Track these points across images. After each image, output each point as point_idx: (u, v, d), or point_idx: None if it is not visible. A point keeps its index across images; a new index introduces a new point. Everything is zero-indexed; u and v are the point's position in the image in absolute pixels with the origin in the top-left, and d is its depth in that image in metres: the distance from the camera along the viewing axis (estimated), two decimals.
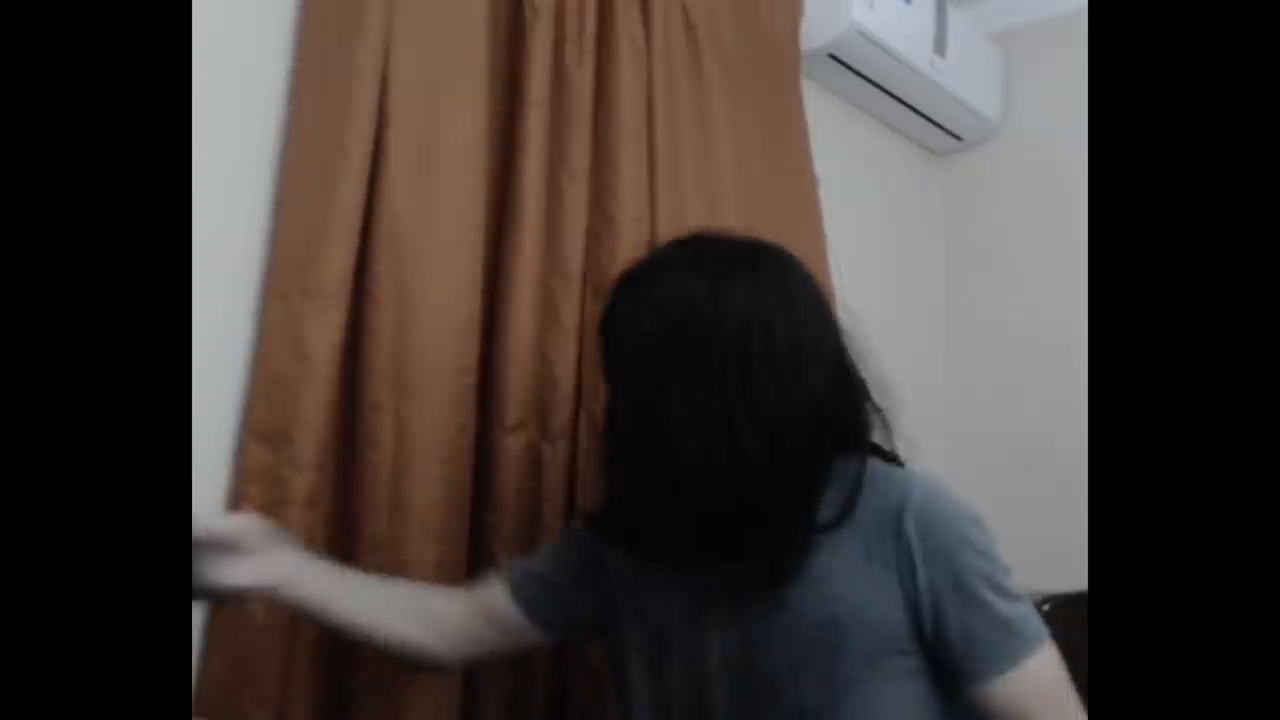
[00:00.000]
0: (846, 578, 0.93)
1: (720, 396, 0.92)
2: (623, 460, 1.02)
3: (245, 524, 1.03)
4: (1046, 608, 1.79)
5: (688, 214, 1.58)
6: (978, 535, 0.94)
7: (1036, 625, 0.95)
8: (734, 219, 1.65)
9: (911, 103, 2.17)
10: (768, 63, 1.82)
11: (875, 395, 1.02)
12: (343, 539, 1.21)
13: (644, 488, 0.98)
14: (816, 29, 1.93)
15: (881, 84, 2.08)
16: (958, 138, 2.34)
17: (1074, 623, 1.76)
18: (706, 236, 1.05)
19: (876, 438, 1.01)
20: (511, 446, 1.33)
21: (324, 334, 1.18)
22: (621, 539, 1.04)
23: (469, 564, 1.32)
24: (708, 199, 1.63)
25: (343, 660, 1.20)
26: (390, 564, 1.19)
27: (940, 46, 2.10)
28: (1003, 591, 0.93)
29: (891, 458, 1.01)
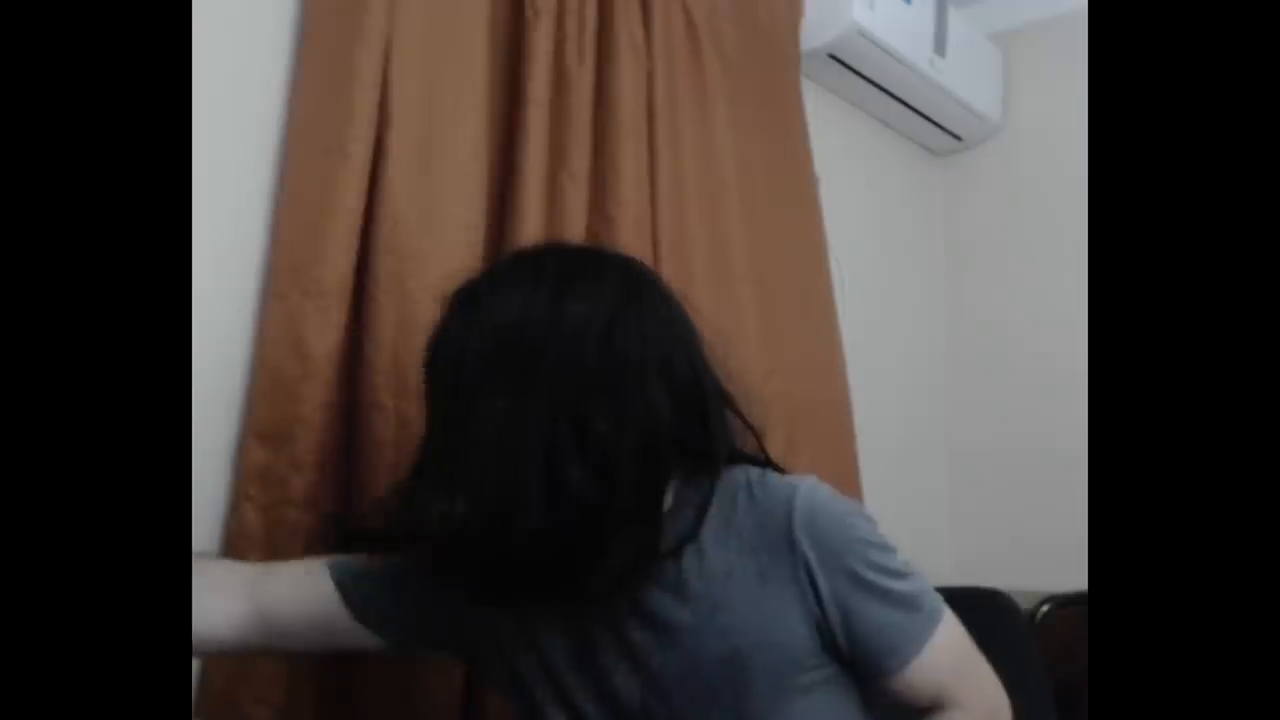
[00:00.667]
0: (743, 604, 0.87)
1: (548, 420, 0.83)
2: (434, 494, 0.86)
3: None
4: (1046, 608, 1.79)
5: (688, 214, 1.58)
6: (866, 528, 0.91)
7: (934, 598, 0.92)
8: (734, 219, 1.65)
9: (911, 103, 2.17)
10: (768, 62, 1.82)
11: (742, 408, 0.95)
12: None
13: (460, 523, 0.84)
14: (816, 29, 1.93)
15: (881, 84, 2.08)
16: (958, 138, 2.34)
17: (1074, 623, 1.77)
18: (552, 246, 1.00)
19: (749, 448, 0.96)
20: None
21: (324, 334, 1.18)
22: (449, 578, 0.91)
23: None
24: (707, 199, 1.63)
25: (343, 661, 1.20)
26: None
27: (940, 46, 2.10)
28: (898, 574, 0.90)
29: (768, 464, 0.96)
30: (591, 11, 1.50)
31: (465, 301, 0.91)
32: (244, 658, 1.11)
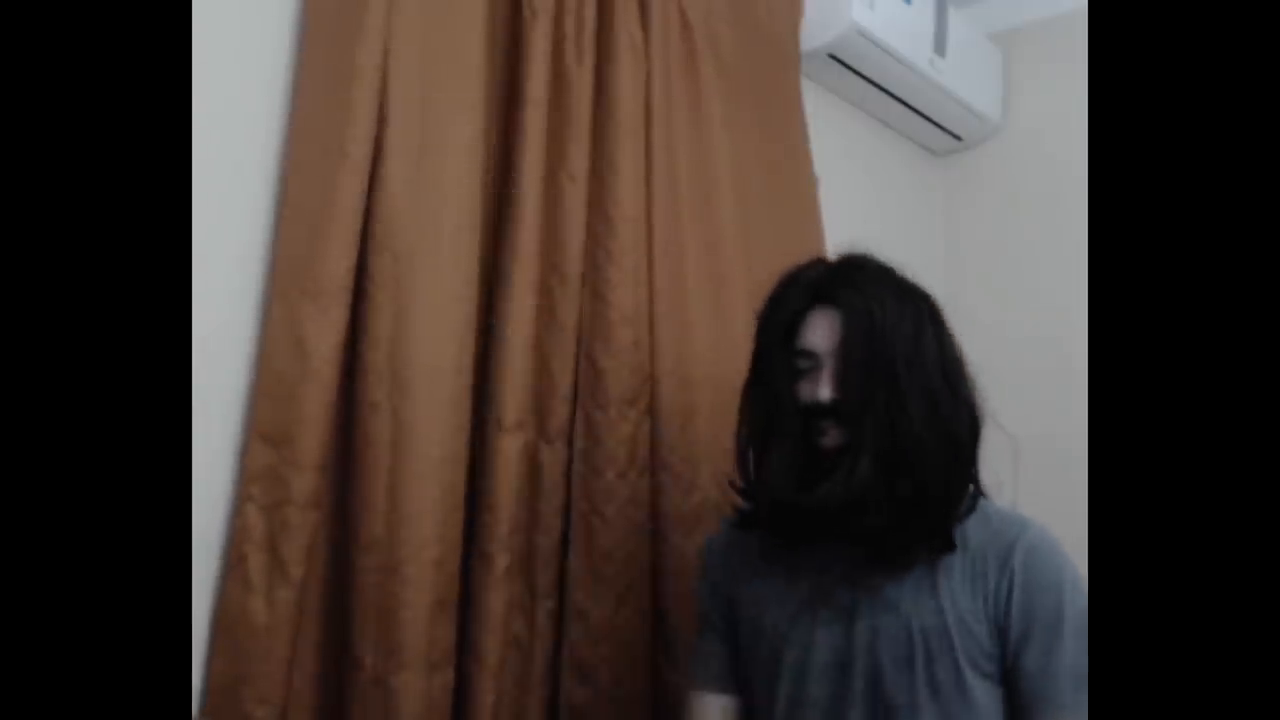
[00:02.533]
0: (954, 594, 1.05)
1: (932, 399, 1.06)
2: (856, 446, 1.06)
3: None
4: None
5: (682, 214, 1.58)
6: (1075, 580, 1.05)
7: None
8: (728, 219, 1.65)
9: (911, 103, 2.17)
10: (767, 63, 1.82)
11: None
12: (341, 539, 1.21)
13: (871, 468, 1.04)
14: (816, 29, 1.93)
15: (881, 84, 2.08)
16: (958, 138, 2.34)
17: None
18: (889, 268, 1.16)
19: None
20: (510, 447, 1.33)
21: (325, 334, 1.18)
22: (781, 523, 1.13)
23: (465, 564, 1.32)
24: (701, 199, 1.63)
25: (343, 660, 1.20)
26: (386, 565, 1.20)
27: (940, 46, 2.10)
28: (1079, 631, 1.02)
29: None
30: (590, 11, 1.50)
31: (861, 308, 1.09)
32: (245, 657, 1.11)
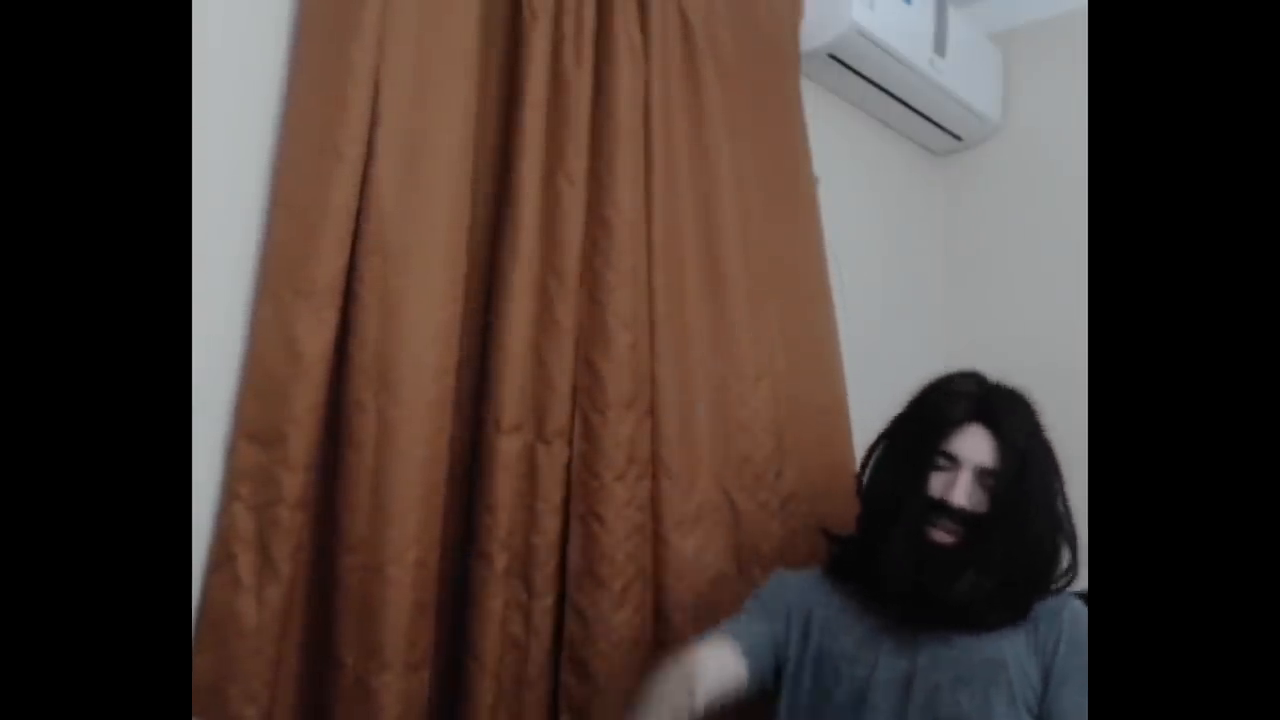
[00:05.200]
0: (1009, 640, 1.22)
1: (1047, 533, 1.26)
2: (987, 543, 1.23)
3: None
4: None
5: (681, 216, 1.58)
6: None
7: None
8: (727, 221, 1.65)
9: (911, 103, 2.17)
10: (766, 64, 1.82)
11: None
12: (326, 539, 1.21)
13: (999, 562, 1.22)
14: (816, 29, 1.93)
15: (881, 84, 2.08)
16: (958, 138, 2.34)
17: None
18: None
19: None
20: (509, 448, 1.33)
21: (317, 334, 1.18)
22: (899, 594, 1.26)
23: (464, 564, 1.32)
24: (700, 201, 1.62)
25: (326, 661, 1.20)
26: (371, 565, 1.19)
27: (940, 46, 2.10)
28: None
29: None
30: (589, 13, 1.49)
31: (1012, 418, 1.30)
32: (231, 656, 1.11)
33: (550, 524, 1.36)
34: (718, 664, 1.24)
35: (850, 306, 1.91)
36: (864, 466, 1.37)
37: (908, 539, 1.23)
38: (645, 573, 1.43)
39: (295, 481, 1.15)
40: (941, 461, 1.26)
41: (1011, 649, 1.21)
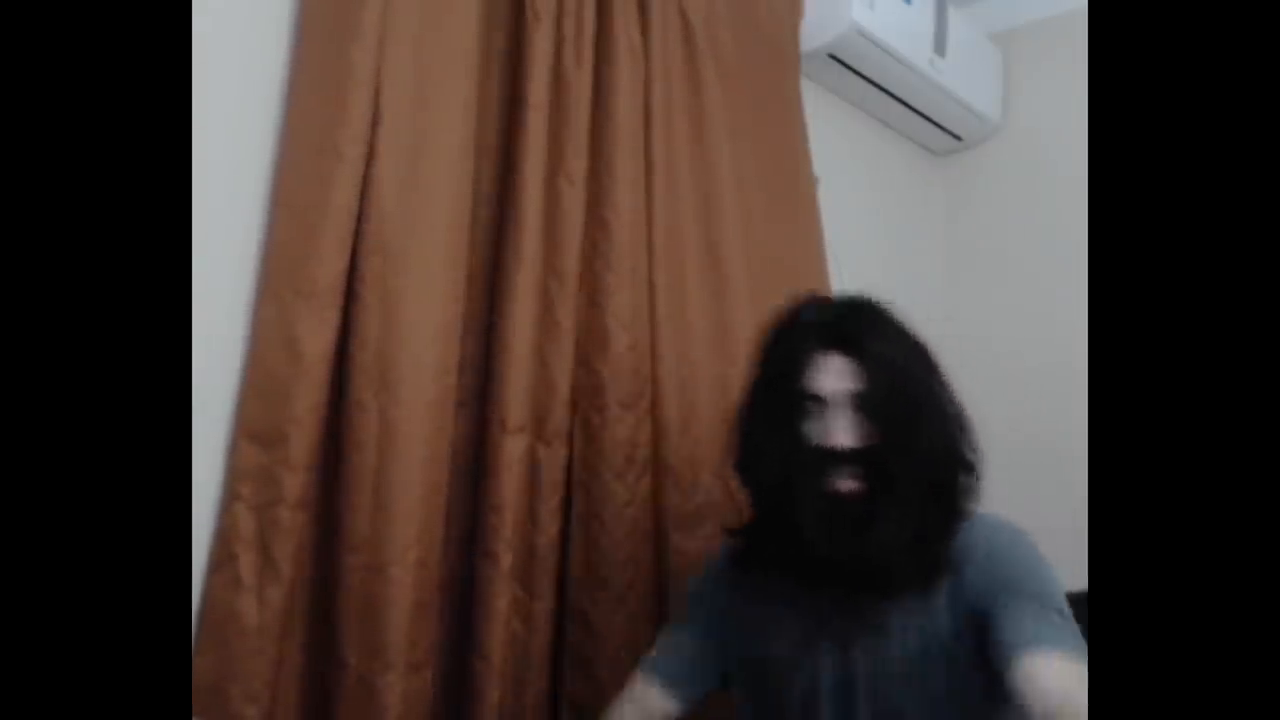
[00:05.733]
0: (942, 609, 1.09)
1: (947, 443, 1.12)
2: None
3: None
4: None
5: (682, 217, 1.58)
6: (1034, 560, 1.11)
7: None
8: (727, 222, 1.65)
9: (911, 103, 2.17)
10: (766, 64, 1.82)
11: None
12: (328, 539, 1.22)
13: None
14: (816, 29, 1.93)
15: (881, 84, 2.08)
16: (958, 138, 2.34)
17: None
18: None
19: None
20: (513, 448, 1.33)
21: (318, 334, 1.18)
22: (780, 564, 1.14)
23: (468, 564, 1.32)
24: (701, 202, 1.63)
25: (329, 660, 1.20)
26: (373, 565, 1.20)
27: (940, 46, 2.10)
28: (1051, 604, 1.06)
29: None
30: (590, 14, 1.49)
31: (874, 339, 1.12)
32: (233, 656, 1.11)
33: (552, 524, 1.36)
34: (639, 715, 1.19)
35: None
36: (735, 446, 1.18)
37: (812, 499, 1.08)
38: (646, 573, 1.44)
39: (296, 482, 1.15)
40: (810, 406, 1.10)
41: (945, 620, 1.09)
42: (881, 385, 1.08)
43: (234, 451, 1.16)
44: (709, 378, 1.55)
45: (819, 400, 1.10)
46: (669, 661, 1.22)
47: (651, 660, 1.23)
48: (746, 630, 1.19)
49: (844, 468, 1.08)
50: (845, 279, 1.91)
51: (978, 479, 1.15)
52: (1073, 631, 1.04)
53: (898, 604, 1.10)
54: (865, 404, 1.09)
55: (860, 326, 1.11)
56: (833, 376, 1.09)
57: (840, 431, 1.08)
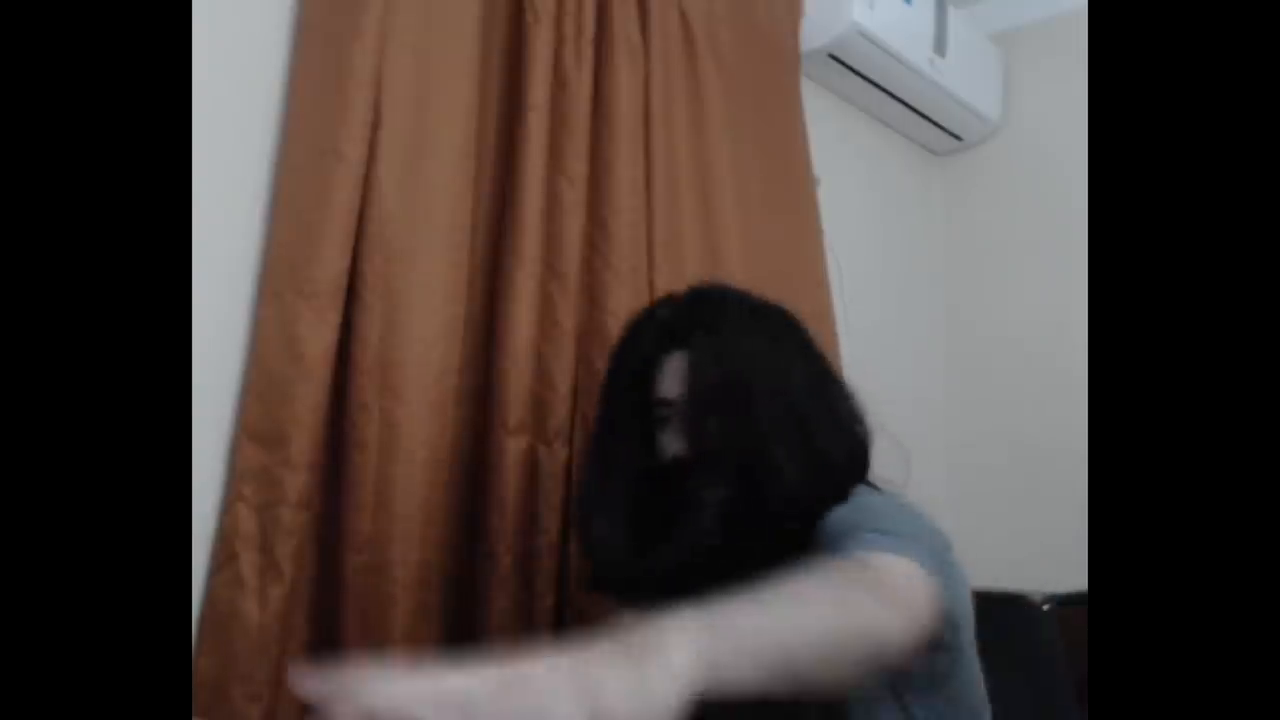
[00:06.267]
0: None
1: (805, 429, 0.98)
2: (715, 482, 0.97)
3: None
4: (1046, 608, 1.79)
5: (682, 217, 1.58)
6: (887, 506, 0.96)
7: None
8: (727, 222, 1.65)
9: (911, 103, 2.17)
10: (766, 65, 1.82)
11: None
12: (331, 539, 1.21)
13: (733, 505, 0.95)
14: (816, 29, 1.93)
15: (881, 84, 2.08)
16: (958, 138, 2.34)
17: (1074, 623, 1.77)
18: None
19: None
20: (513, 448, 1.33)
21: (319, 334, 1.18)
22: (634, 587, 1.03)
23: (468, 564, 1.32)
24: (701, 202, 1.63)
25: (334, 659, 1.20)
26: (375, 565, 1.20)
27: (940, 46, 2.10)
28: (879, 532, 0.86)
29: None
30: (590, 14, 1.49)
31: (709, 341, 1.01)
32: (234, 655, 1.11)
33: (552, 524, 1.36)
34: None
35: (850, 306, 1.91)
36: (587, 464, 1.10)
37: (611, 514, 1.00)
38: None
39: (298, 482, 1.16)
40: (660, 411, 1.01)
41: None
42: (705, 380, 0.98)
43: (235, 451, 1.16)
44: None
45: (669, 405, 1.02)
46: None
47: None
48: None
49: (689, 480, 0.98)
50: (845, 279, 1.91)
51: (853, 463, 1.02)
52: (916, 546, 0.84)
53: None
54: (692, 404, 0.99)
55: (693, 318, 1.01)
56: (673, 378, 1.01)
57: (673, 439, 1.00)
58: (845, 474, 1.00)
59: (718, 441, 0.97)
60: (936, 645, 0.86)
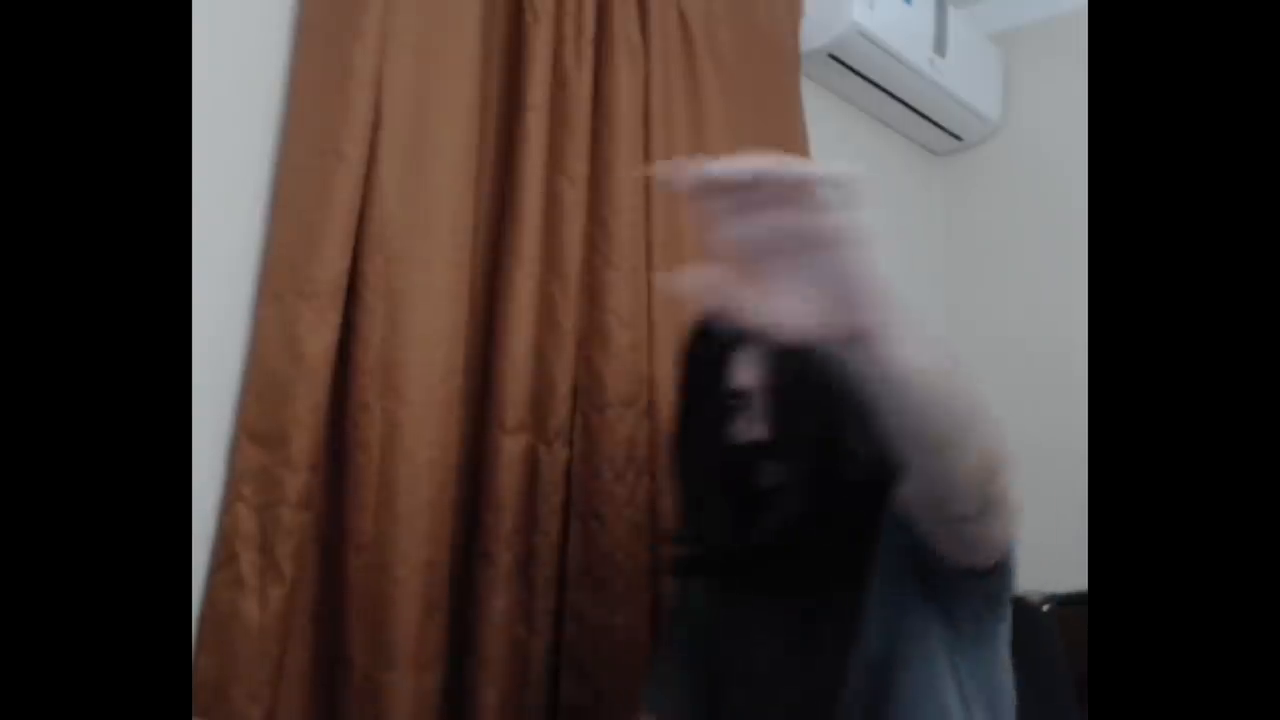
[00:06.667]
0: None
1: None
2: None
3: None
4: (1046, 608, 1.79)
5: (682, 215, 1.58)
6: None
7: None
8: None
9: (911, 103, 2.17)
10: (766, 64, 1.82)
11: None
12: (333, 539, 1.22)
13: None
14: (816, 29, 1.93)
15: (881, 84, 2.08)
16: (958, 138, 2.34)
17: (1074, 623, 1.76)
18: None
19: None
20: (512, 448, 1.33)
21: (319, 335, 1.18)
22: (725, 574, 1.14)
23: (465, 564, 1.32)
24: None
25: (335, 659, 1.20)
26: (377, 565, 1.20)
27: (940, 46, 2.10)
28: None
29: None
30: (590, 14, 1.49)
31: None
32: (234, 655, 1.11)
33: (551, 524, 1.36)
34: None
35: None
36: (671, 455, 1.17)
37: (717, 495, 1.07)
38: (644, 573, 1.43)
39: (298, 482, 1.16)
40: (734, 402, 1.08)
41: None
42: (789, 369, 1.04)
43: (235, 451, 1.16)
44: None
45: (742, 395, 1.07)
46: (660, 694, 1.21)
47: (646, 694, 1.22)
48: (720, 649, 1.16)
49: (763, 462, 1.05)
50: None
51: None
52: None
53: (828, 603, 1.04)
54: (775, 392, 1.05)
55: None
56: (750, 368, 1.07)
57: (754, 424, 1.06)
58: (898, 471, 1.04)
59: (796, 426, 1.04)
60: (995, 574, 0.96)
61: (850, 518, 1.01)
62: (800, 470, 1.02)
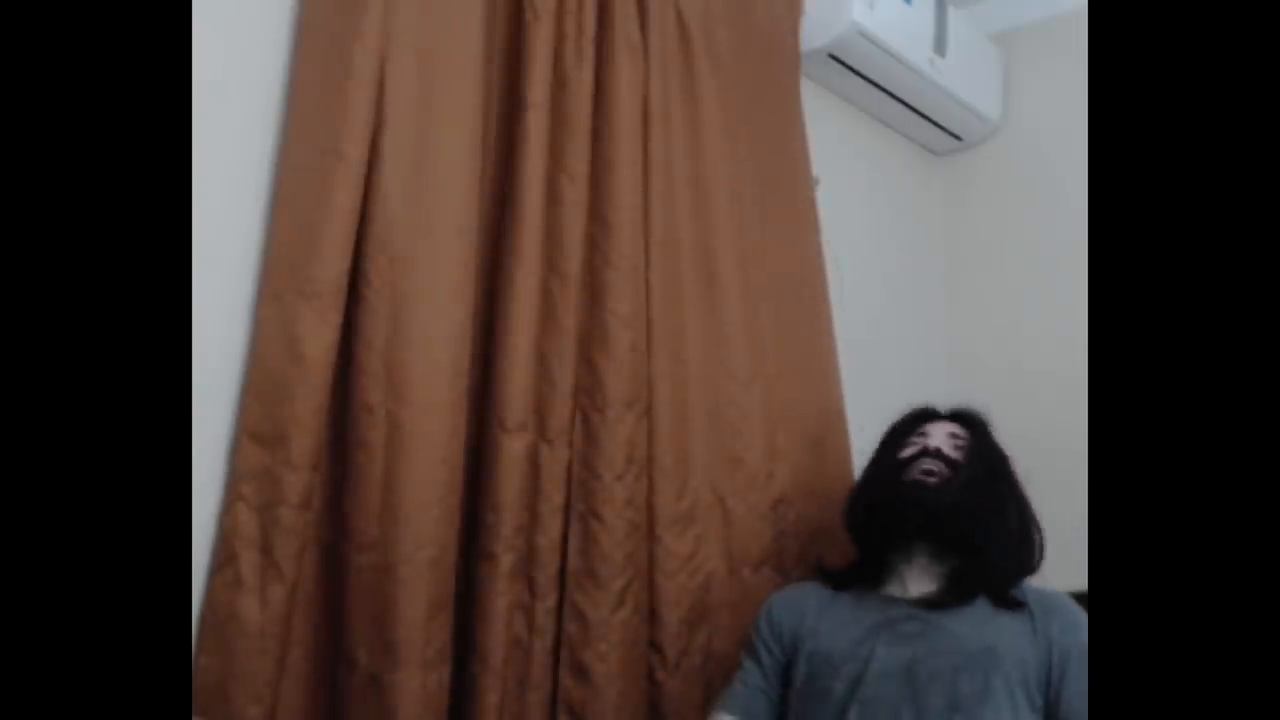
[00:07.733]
0: (1009, 630, 1.29)
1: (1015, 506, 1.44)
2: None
3: None
4: None
5: (678, 216, 1.58)
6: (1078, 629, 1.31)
7: None
8: (722, 221, 1.65)
9: (911, 103, 2.17)
10: (765, 64, 1.82)
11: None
12: (335, 539, 1.21)
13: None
14: (816, 29, 1.93)
15: (881, 84, 2.08)
16: (958, 138, 2.34)
17: None
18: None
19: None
20: (513, 447, 1.33)
21: (320, 335, 1.18)
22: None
23: (466, 564, 1.32)
24: (701, 200, 1.62)
25: (337, 659, 1.20)
26: (381, 564, 1.20)
27: (940, 46, 2.10)
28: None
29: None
30: (590, 13, 1.49)
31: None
32: (235, 656, 1.11)
33: (552, 524, 1.36)
34: None
35: (850, 306, 1.91)
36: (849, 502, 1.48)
37: (902, 483, 1.38)
38: (642, 573, 1.44)
39: (298, 482, 1.16)
40: (913, 439, 1.43)
41: (1009, 638, 1.28)
42: (978, 442, 1.42)
43: (236, 452, 1.16)
44: (700, 377, 1.55)
45: (922, 435, 1.42)
46: (743, 694, 1.37)
47: (728, 693, 1.38)
48: (811, 637, 1.36)
49: (933, 463, 1.37)
50: (845, 279, 1.91)
51: (1033, 549, 1.42)
52: None
53: (969, 623, 1.29)
54: (960, 439, 1.41)
55: (972, 412, 1.46)
56: (941, 432, 1.43)
57: (942, 442, 1.40)
58: (1032, 560, 1.41)
59: (970, 459, 1.40)
60: None
61: (992, 542, 1.36)
62: (964, 473, 1.37)
